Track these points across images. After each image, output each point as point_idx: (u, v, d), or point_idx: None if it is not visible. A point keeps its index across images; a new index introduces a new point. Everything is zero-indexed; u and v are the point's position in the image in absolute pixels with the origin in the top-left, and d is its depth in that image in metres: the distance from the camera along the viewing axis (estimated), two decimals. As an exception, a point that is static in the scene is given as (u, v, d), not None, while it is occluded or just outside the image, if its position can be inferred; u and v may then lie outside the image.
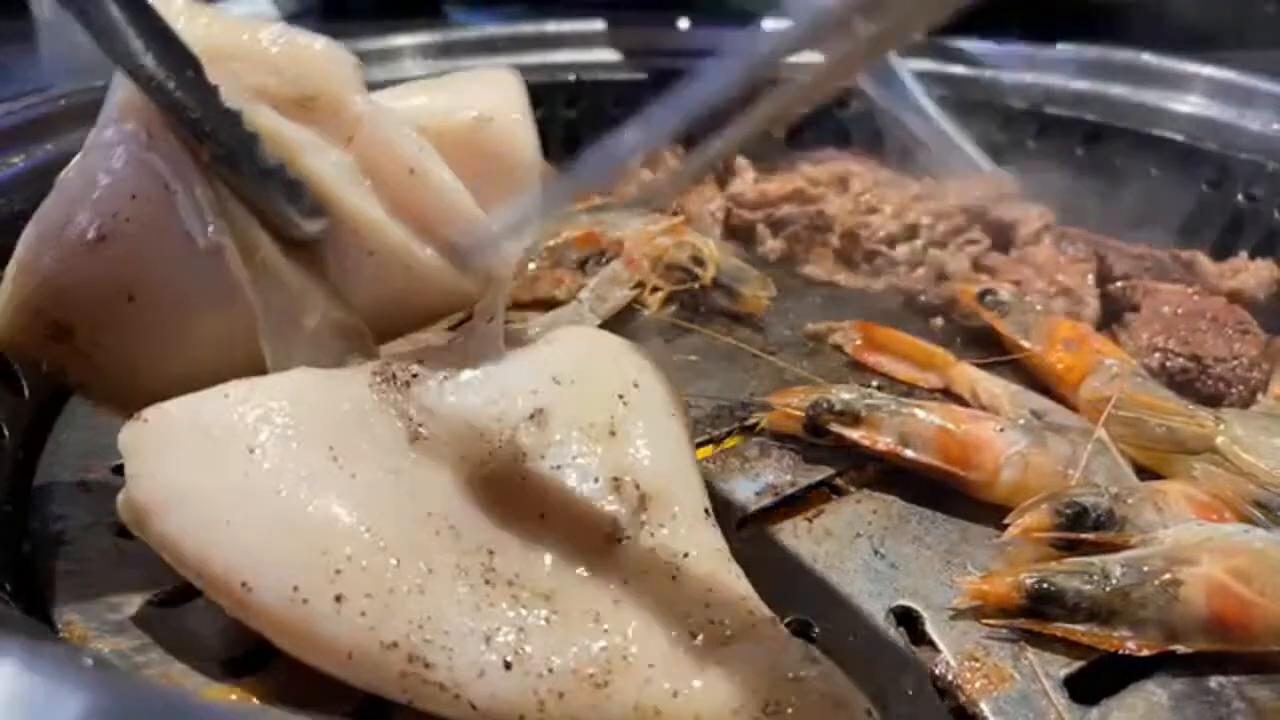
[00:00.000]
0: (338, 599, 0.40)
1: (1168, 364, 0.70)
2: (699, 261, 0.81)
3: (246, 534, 0.41)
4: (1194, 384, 0.70)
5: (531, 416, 0.48)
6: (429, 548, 0.43)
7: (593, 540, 0.45)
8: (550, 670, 0.40)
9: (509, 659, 0.40)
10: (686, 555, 0.45)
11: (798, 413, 0.62)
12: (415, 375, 0.49)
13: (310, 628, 0.40)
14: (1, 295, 0.52)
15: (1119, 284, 0.81)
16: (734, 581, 0.45)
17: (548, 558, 0.44)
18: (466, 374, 0.50)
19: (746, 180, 0.95)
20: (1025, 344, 0.72)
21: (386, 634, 0.40)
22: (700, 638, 0.41)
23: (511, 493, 0.46)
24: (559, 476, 0.47)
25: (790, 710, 0.39)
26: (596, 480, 0.47)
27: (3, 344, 0.53)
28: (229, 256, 0.48)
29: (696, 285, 0.81)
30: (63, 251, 0.50)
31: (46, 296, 0.50)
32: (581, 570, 0.44)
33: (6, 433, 0.62)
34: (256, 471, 0.43)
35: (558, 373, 0.51)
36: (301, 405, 0.45)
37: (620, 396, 0.51)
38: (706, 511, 0.48)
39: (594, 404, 0.50)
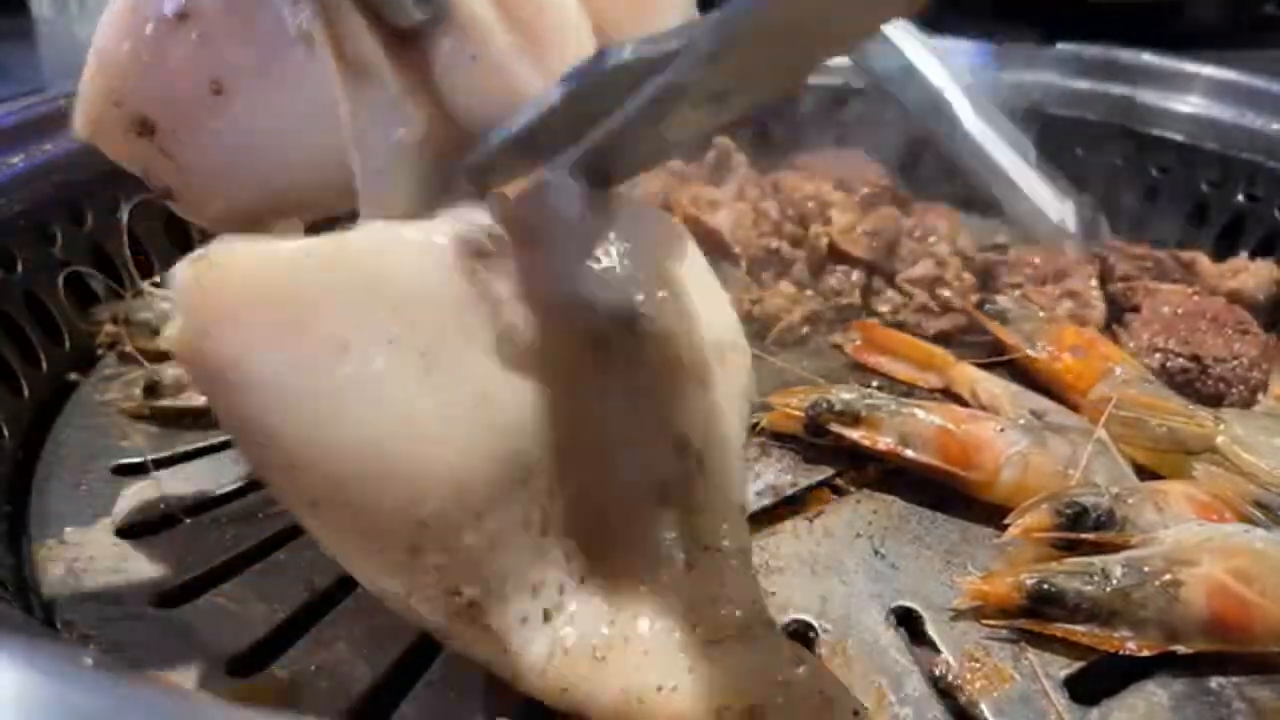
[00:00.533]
0: (413, 551, 0.37)
1: (1168, 364, 0.70)
2: None
3: (326, 460, 0.36)
4: (1194, 384, 0.69)
5: (628, 323, 0.42)
6: (505, 499, 0.39)
7: (641, 497, 0.42)
8: (570, 629, 0.40)
9: (548, 609, 0.40)
10: (708, 548, 0.43)
11: (798, 413, 0.62)
12: (507, 245, 0.41)
13: (374, 568, 0.38)
14: (83, 84, 0.47)
15: (1119, 285, 0.81)
16: (746, 581, 0.44)
17: (597, 509, 0.42)
18: (564, 245, 0.42)
19: (741, 176, 0.95)
20: (1032, 353, 0.71)
21: (451, 583, 0.38)
22: (699, 631, 0.41)
23: (585, 411, 0.42)
24: (632, 411, 0.42)
25: (774, 713, 0.39)
26: (665, 428, 0.43)
27: (87, 137, 0.48)
28: (319, 47, 0.41)
29: None
30: (141, 33, 0.44)
31: (125, 84, 0.45)
32: (620, 531, 0.42)
33: (6, 433, 0.62)
34: (346, 379, 0.36)
35: (668, 280, 0.44)
36: (395, 286, 0.38)
37: (721, 352, 0.45)
38: (743, 509, 0.46)
39: (691, 345, 0.44)
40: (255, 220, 0.48)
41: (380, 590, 0.39)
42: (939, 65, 0.94)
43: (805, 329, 0.79)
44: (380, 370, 0.36)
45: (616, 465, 0.42)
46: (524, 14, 0.43)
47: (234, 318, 0.35)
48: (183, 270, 0.35)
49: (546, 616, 0.40)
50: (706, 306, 0.46)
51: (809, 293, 0.81)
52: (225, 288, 0.35)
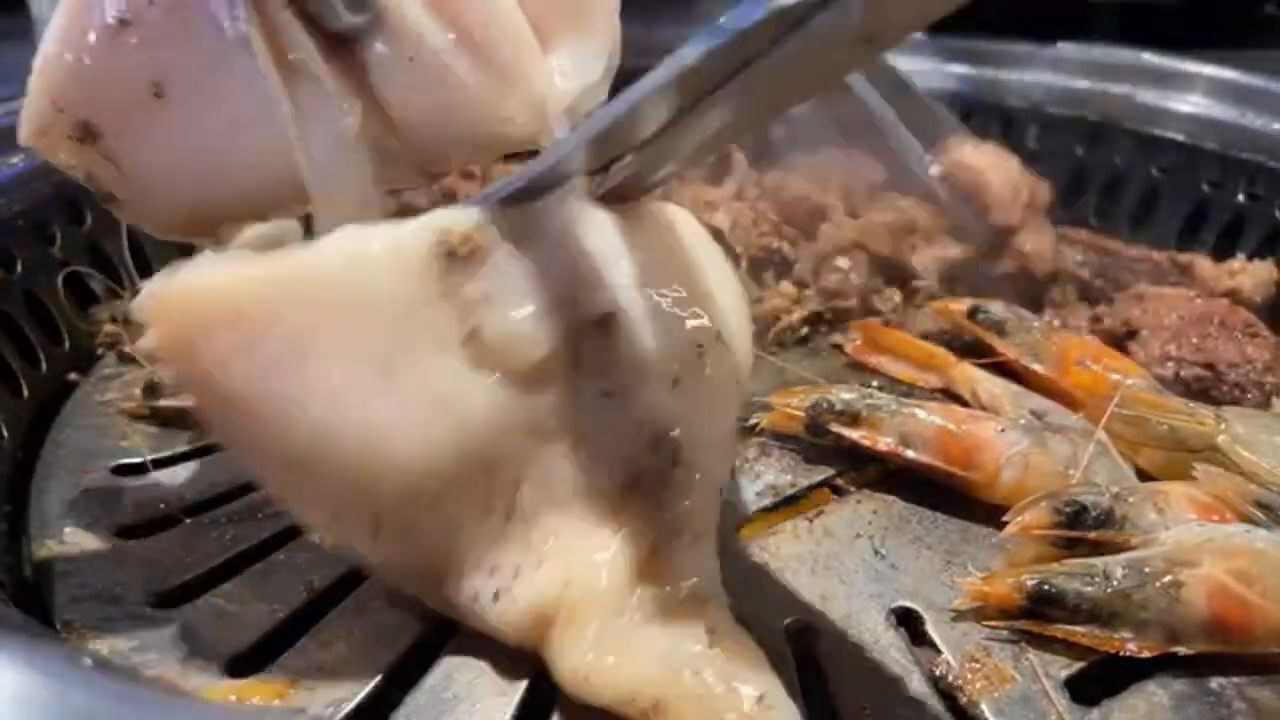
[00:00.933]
0: (374, 532, 0.42)
1: (1182, 373, 0.70)
2: None
3: (287, 455, 0.40)
4: (1209, 391, 0.69)
5: (599, 322, 0.42)
6: (466, 490, 0.42)
7: (609, 486, 0.43)
8: (519, 604, 0.42)
9: (499, 590, 0.43)
10: (680, 533, 0.43)
11: (798, 413, 0.62)
12: (479, 248, 0.41)
13: (342, 539, 0.43)
14: (29, 91, 0.47)
15: (1116, 287, 0.82)
16: (705, 563, 0.44)
17: (563, 496, 0.43)
18: (539, 247, 0.43)
19: (740, 176, 0.95)
20: (1037, 368, 0.70)
21: (413, 559, 0.43)
22: (638, 615, 0.42)
23: (553, 411, 0.42)
24: (605, 409, 0.43)
25: (678, 703, 0.40)
26: (641, 425, 0.43)
27: (33, 144, 0.49)
28: (257, 50, 0.43)
29: None
30: (84, 39, 0.45)
31: (68, 90, 0.46)
32: (585, 518, 0.43)
33: (6, 433, 0.62)
34: (304, 389, 0.39)
35: (645, 274, 0.44)
36: (355, 299, 0.40)
37: (700, 346, 0.44)
38: (720, 490, 0.46)
39: (669, 341, 0.44)
40: (202, 226, 0.49)
41: (351, 552, 0.44)
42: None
43: (805, 329, 0.79)
44: (337, 381, 0.39)
45: (589, 460, 0.43)
46: (465, 17, 0.45)
47: (197, 340, 0.39)
48: (147, 293, 0.39)
49: (496, 596, 0.42)
50: (698, 296, 0.45)
51: (809, 293, 0.81)
52: (186, 313, 0.39)
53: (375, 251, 0.40)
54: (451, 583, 0.43)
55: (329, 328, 0.39)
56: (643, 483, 0.43)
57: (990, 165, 0.88)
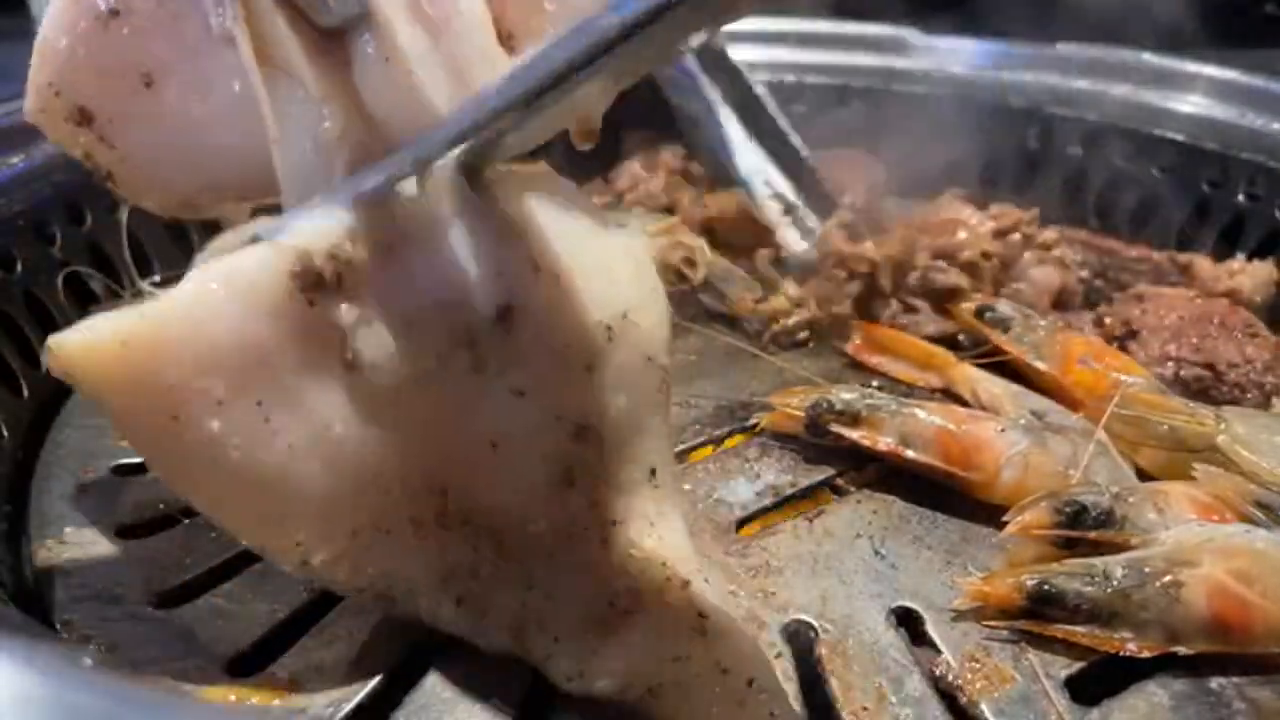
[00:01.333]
0: (304, 563, 0.41)
1: (1182, 373, 0.70)
2: (691, 263, 0.81)
3: (200, 499, 0.41)
4: (1209, 391, 0.69)
5: (498, 317, 0.40)
6: (381, 511, 0.41)
7: (543, 479, 0.42)
8: (486, 614, 0.43)
9: (460, 595, 0.43)
10: (616, 523, 0.42)
11: (798, 413, 0.62)
12: (349, 263, 0.39)
13: (283, 566, 0.42)
14: (30, 68, 0.49)
15: (1116, 287, 0.82)
16: (656, 546, 0.42)
17: (498, 493, 0.42)
18: (420, 245, 0.40)
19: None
20: (1041, 365, 0.70)
21: (354, 582, 0.42)
22: (611, 609, 0.42)
23: (465, 412, 0.41)
24: (519, 407, 0.41)
25: (670, 691, 0.40)
26: (559, 418, 0.41)
27: (34, 120, 0.49)
28: (241, 48, 0.43)
29: (687, 287, 0.81)
30: (77, 28, 0.47)
31: (64, 75, 0.47)
32: (527, 512, 0.42)
33: (6, 433, 0.62)
34: (187, 448, 0.39)
35: (541, 259, 0.41)
36: (219, 346, 0.38)
37: (608, 328, 0.42)
38: (654, 472, 0.44)
39: (574, 325, 0.41)
40: (193, 204, 0.49)
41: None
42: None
43: (803, 333, 0.79)
44: (215, 433, 0.38)
45: (511, 460, 0.42)
46: (435, 15, 0.44)
47: (94, 396, 0.38)
48: (51, 343, 0.38)
49: (459, 602, 0.43)
50: (597, 273, 0.43)
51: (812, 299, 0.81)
52: (75, 377, 0.38)
53: (232, 298, 0.38)
54: (405, 601, 0.43)
55: (195, 384, 0.38)
56: (575, 474, 0.42)
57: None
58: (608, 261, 0.44)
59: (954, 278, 0.79)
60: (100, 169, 0.49)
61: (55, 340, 0.38)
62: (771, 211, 0.90)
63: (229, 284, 0.39)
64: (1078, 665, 0.48)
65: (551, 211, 0.43)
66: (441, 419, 0.41)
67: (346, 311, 0.40)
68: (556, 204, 0.44)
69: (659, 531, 0.43)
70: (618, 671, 0.41)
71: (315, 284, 0.39)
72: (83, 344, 0.38)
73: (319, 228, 0.40)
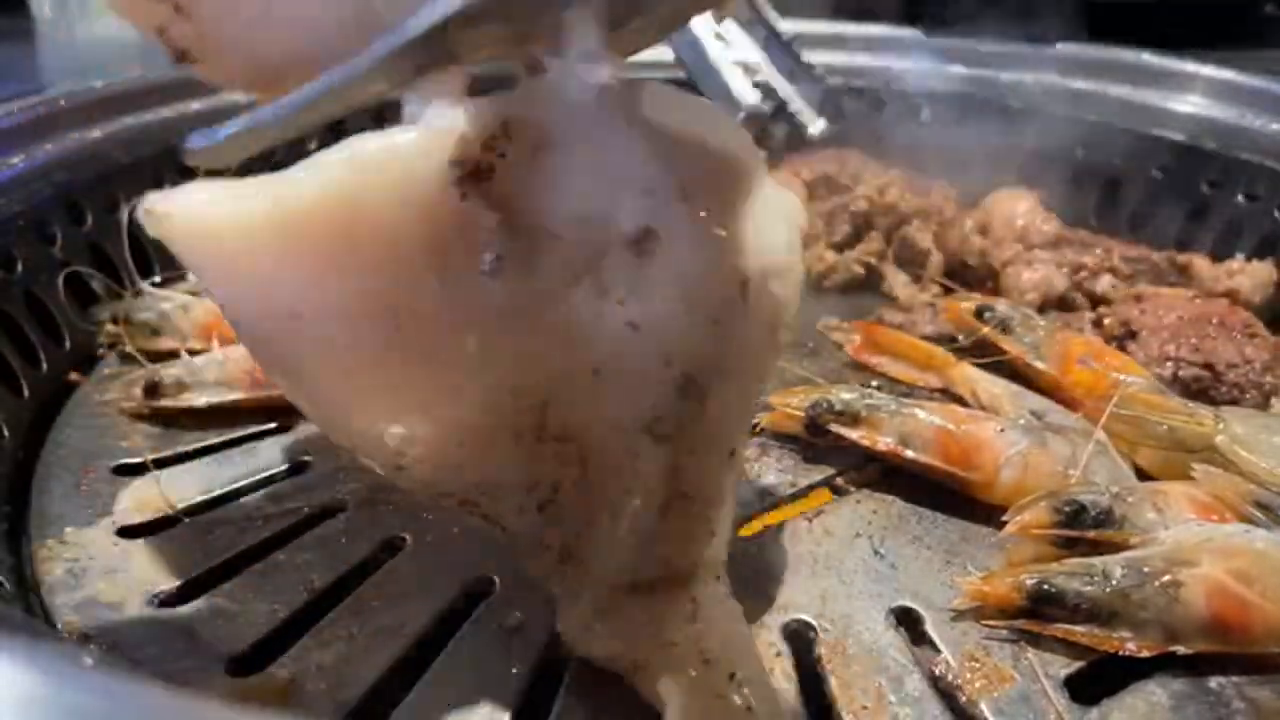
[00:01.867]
0: (397, 465, 0.39)
1: (1181, 373, 0.70)
2: None
3: (307, 394, 0.39)
4: (1208, 391, 0.69)
5: (636, 239, 0.36)
6: (493, 425, 0.39)
7: (631, 422, 0.39)
8: (557, 524, 0.41)
9: (542, 502, 0.40)
10: (685, 495, 0.40)
11: (798, 413, 0.62)
12: (502, 156, 0.36)
13: (370, 460, 0.40)
14: None
15: (1115, 287, 0.82)
16: (701, 531, 0.42)
17: (591, 421, 0.39)
18: (569, 150, 0.37)
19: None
20: (1040, 365, 0.70)
21: (444, 488, 0.40)
22: (634, 575, 0.41)
23: (578, 333, 0.38)
24: (631, 341, 0.37)
25: (655, 670, 0.41)
26: (668, 364, 0.37)
27: (109, 5, 0.47)
28: None
29: None
30: None
31: None
32: (609, 450, 0.39)
33: (6, 433, 0.62)
34: (305, 349, 0.37)
35: (692, 187, 0.37)
36: (358, 241, 0.35)
37: (746, 283, 0.38)
38: (733, 453, 0.42)
39: (712, 270, 0.38)
40: (277, 80, 0.47)
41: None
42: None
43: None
44: (337, 340, 0.36)
45: (610, 393, 0.38)
46: None
47: (194, 265, 0.37)
48: (148, 205, 0.36)
49: (541, 509, 0.40)
50: (749, 223, 0.39)
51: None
52: (177, 245, 0.36)
53: (387, 182, 0.35)
54: (484, 503, 0.41)
55: (326, 285, 0.35)
56: (662, 429, 0.38)
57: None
58: (762, 216, 0.40)
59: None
60: (177, 47, 0.46)
61: (163, 201, 0.36)
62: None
63: (399, 166, 0.36)
64: (1077, 665, 0.48)
65: (714, 143, 0.39)
66: (555, 335, 0.38)
67: (488, 215, 0.36)
68: (721, 137, 0.40)
69: (705, 513, 0.42)
70: (615, 644, 0.42)
71: (472, 173, 0.36)
72: (227, 201, 0.36)
73: (471, 116, 0.36)
